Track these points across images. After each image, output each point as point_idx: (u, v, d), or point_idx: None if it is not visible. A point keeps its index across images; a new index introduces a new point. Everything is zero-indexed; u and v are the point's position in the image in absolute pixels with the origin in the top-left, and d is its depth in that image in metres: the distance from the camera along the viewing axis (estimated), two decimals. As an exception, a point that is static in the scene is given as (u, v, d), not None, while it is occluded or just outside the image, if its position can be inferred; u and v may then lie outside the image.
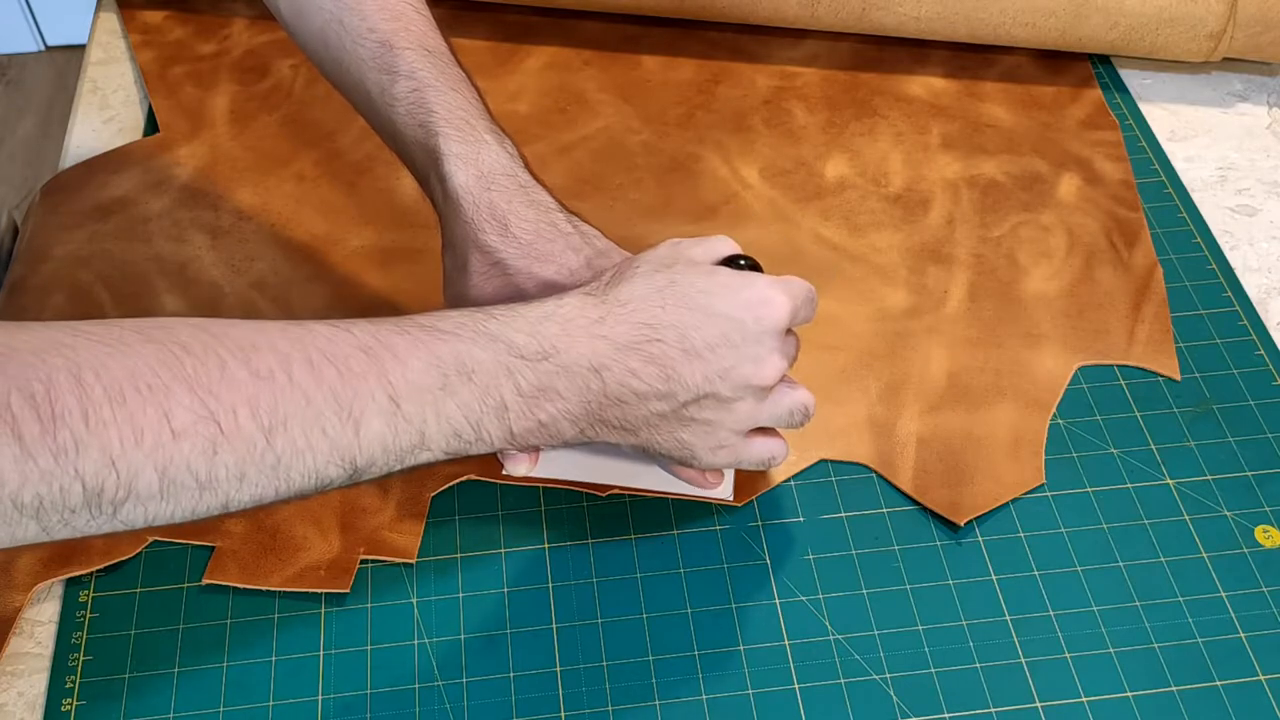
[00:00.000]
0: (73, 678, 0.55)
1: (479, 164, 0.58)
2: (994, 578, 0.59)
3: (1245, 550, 0.60)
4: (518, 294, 0.57)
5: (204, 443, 0.42)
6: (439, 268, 0.71)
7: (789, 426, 0.56)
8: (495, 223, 0.57)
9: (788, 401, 0.55)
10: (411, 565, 0.59)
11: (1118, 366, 0.67)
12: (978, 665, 0.56)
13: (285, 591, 0.58)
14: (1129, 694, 0.55)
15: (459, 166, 0.58)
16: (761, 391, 0.53)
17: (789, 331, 0.55)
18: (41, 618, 0.57)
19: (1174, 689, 0.55)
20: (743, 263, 0.56)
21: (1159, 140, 0.80)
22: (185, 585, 0.58)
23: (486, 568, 0.59)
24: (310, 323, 0.46)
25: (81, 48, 0.86)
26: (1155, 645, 0.56)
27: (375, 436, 0.46)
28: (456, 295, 0.59)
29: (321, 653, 0.56)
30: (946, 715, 0.54)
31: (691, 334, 0.51)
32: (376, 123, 0.62)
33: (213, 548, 0.59)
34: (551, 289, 0.56)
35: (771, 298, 0.52)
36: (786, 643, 0.56)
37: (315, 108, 0.80)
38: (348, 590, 0.58)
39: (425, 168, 0.59)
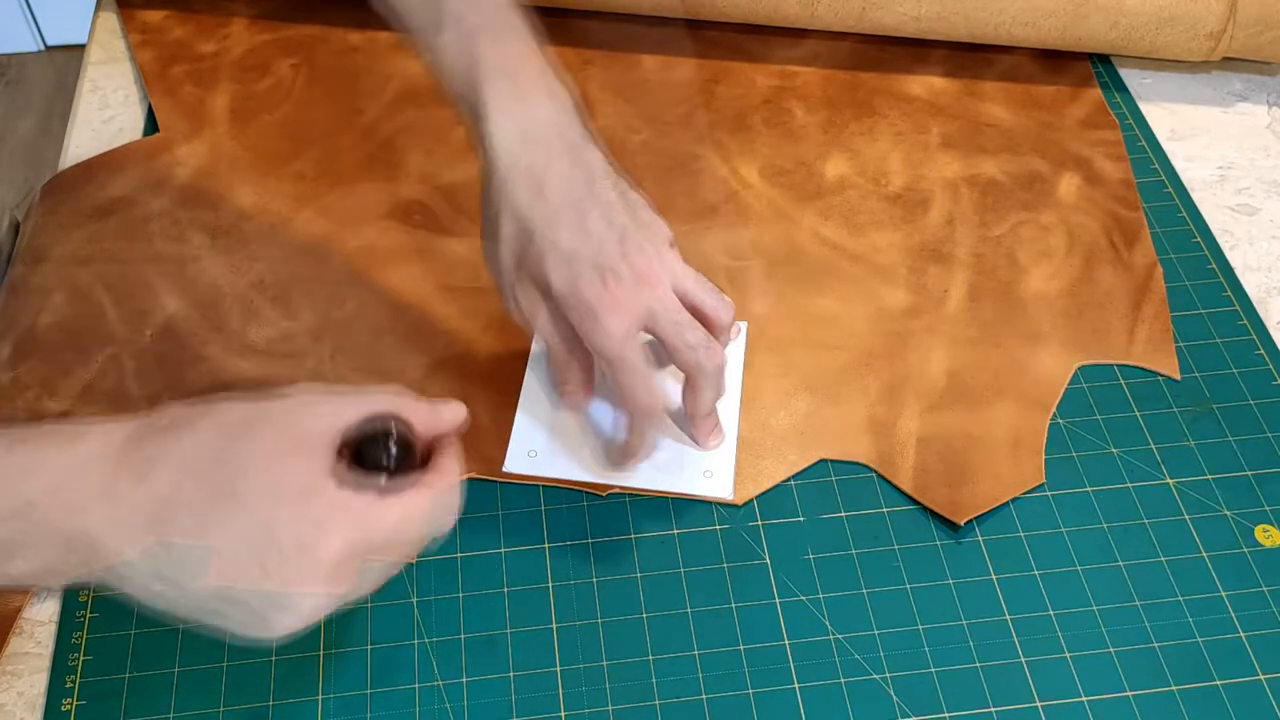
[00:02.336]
0: (73, 678, 0.55)
1: (521, 121, 0.56)
2: (994, 577, 0.59)
3: (1245, 550, 0.60)
4: (540, 260, 0.55)
5: None
6: (440, 268, 0.71)
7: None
8: (530, 183, 0.55)
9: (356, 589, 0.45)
10: (411, 565, 0.59)
11: (1118, 366, 0.67)
12: (978, 665, 0.56)
13: (285, 591, 0.57)
14: (1129, 694, 0.55)
15: (499, 124, 0.56)
16: (303, 612, 0.44)
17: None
18: (41, 618, 0.57)
19: (1174, 689, 0.55)
20: (389, 441, 0.45)
21: (1159, 140, 0.80)
22: (185, 585, 0.58)
23: (486, 568, 0.59)
24: None
25: (81, 48, 0.86)
26: (1155, 645, 0.56)
27: None
28: (489, 254, 0.58)
29: (321, 653, 0.56)
30: (946, 715, 0.54)
31: (212, 531, 0.43)
32: (431, 70, 0.60)
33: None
34: (574, 260, 0.55)
35: (326, 525, 0.43)
36: (786, 643, 0.56)
37: (315, 108, 0.80)
38: (348, 590, 0.57)
39: (470, 121, 0.57)
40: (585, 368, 0.60)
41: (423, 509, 0.46)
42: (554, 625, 0.57)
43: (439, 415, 0.49)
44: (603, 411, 0.63)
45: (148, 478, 0.43)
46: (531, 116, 0.56)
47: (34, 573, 0.44)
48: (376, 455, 0.45)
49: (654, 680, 0.55)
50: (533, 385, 0.65)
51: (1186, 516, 0.61)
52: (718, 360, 0.57)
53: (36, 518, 0.42)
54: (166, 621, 0.47)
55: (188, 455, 0.44)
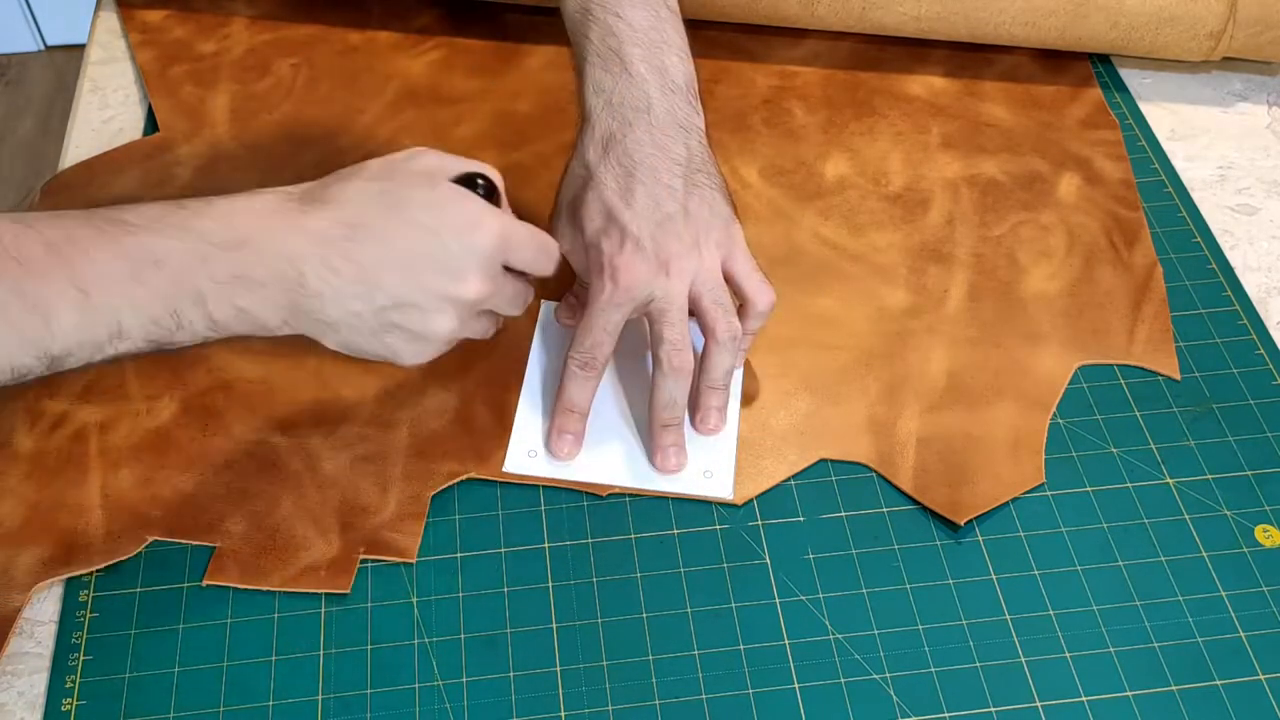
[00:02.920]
0: (73, 678, 0.55)
1: (611, 89, 0.61)
2: (994, 577, 0.59)
3: (1245, 550, 0.60)
4: (585, 205, 0.61)
5: None
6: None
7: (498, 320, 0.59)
8: (603, 143, 0.61)
9: (485, 322, 0.57)
10: (411, 565, 0.59)
11: (1118, 366, 0.67)
12: (978, 665, 0.56)
13: (285, 591, 0.58)
14: (1129, 694, 0.55)
15: (591, 93, 0.61)
16: (462, 305, 0.54)
17: (513, 271, 0.56)
18: (41, 618, 0.57)
19: (1174, 689, 0.55)
20: (480, 183, 0.56)
21: (1159, 140, 0.80)
22: (185, 585, 0.58)
23: (486, 568, 0.59)
24: None
25: (81, 47, 0.86)
26: (1155, 645, 0.56)
27: (68, 327, 0.48)
28: (558, 200, 0.64)
29: (321, 653, 0.56)
30: (946, 715, 0.54)
31: (391, 240, 0.52)
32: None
33: (213, 548, 0.59)
34: (610, 217, 0.60)
35: (480, 222, 0.54)
36: (786, 642, 0.56)
37: (315, 107, 0.80)
38: (348, 590, 0.58)
39: (576, 87, 0.63)
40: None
41: (539, 232, 0.57)
42: (554, 625, 0.57)
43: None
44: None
45: (331, 207, 0.52)
46: (622, 88, 0.61)
47: (273, 300, 0.51)
48: (473, 186, 0.56)
49: (654, 680, 0.55)
50: (533, 385, 0.65)
51: (1186, 516, 0.61)
52: (681, 363, 0.60)
53: (254, 248, 0.51)
54: (348, 354, 0.55)
55: (357, 191, 0.53)
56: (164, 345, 0.51)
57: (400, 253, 0.52)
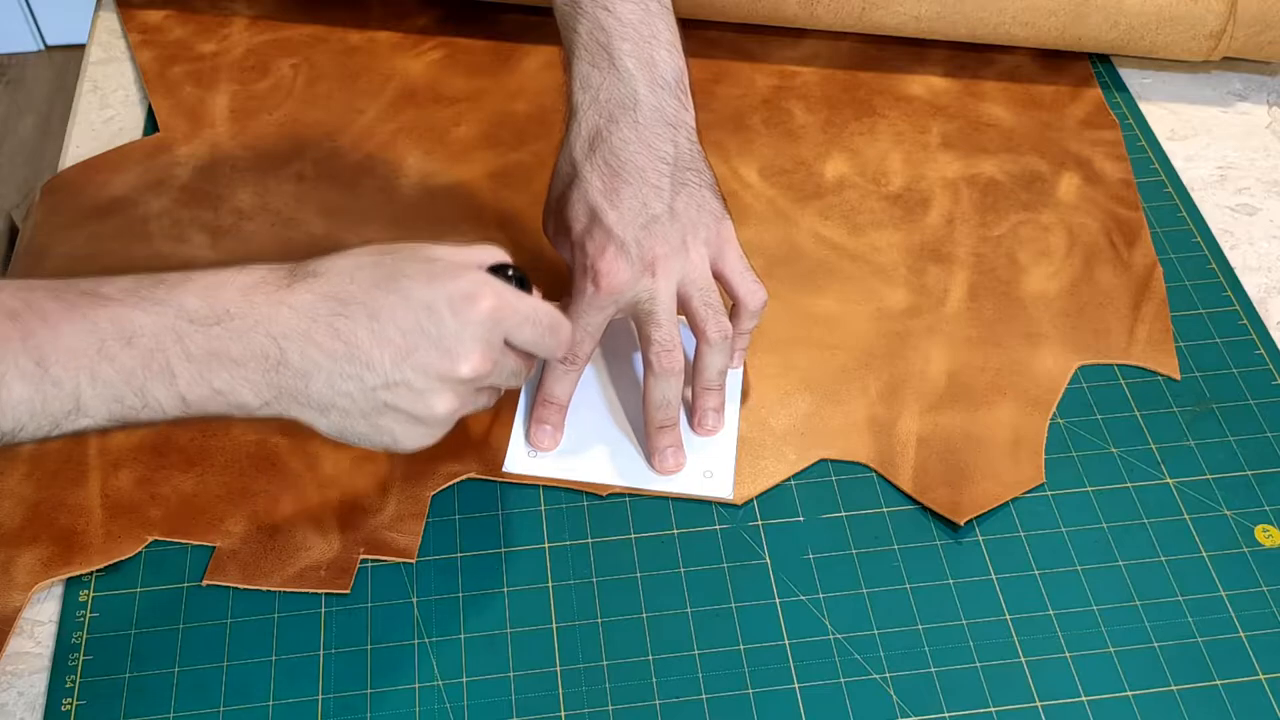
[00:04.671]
0: (73, 678, 0.55)
1: (599, 91, 0.60)
2: (994, 577, 0.59)
3: (1245, 550, 0.60)
4: (571, 203, 0.60)
5: None
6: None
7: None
8: (589, 139, 0.60)
9: (486, 396, 0.54)
10: (411, 565, 0.59)
11: (1118, 366, 0.67)
12: (978, 665, 0.56)
13: (285, 591, 0.58)
14: (1129, 693, 0.55)
15: (578, 88, 0.60)
16: (461, 384, 0.51)
17: (516, 349, 0.53)
18: (41, 618, 0.57)
19: (1174, 688, 0.55)
20: (511, 274, 0.53)
21: (1159, 140, 0.80)
22: (185, 585, 0.58)
23: (486, 568, 0.59)
24: None
25: (81, 48, 0.86)
26: (1155, 645, 0.56)
27: (19, 400, 0.45)
28: (548, 197, 0.63)
29: (321, 653, 0.56)
30: (946, 715, 0.54)
31: (382, 315, 0.49)
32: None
33: (213, 548, 0.59)
34: (594, 217, 0.59)
35: (478, 295, 0.50)
36: (786, 642, 0.56)
37: (315, 108, 0.80)
38: (348, 590, 0.58)
39: (564, 82, 0.62)
40: None
41: (549, 309, 0.54)
42: (554, 625, 0.57)
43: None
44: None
45: (319, 282, 0.49)
46: (608, 84, 0.60)
47: (251, 381, 0.48)
48: (505, 278, 0.53)
49: (654, 680, 0.55)
50: (533, 386, 0.65)
51: (1186, 516, 0.61)
52: (670, 364, 0.60)
53: (236, 325, 0.48)
54: (342, 441, 0.52)
55: (349, 265, 0.50)
56: (129, 423, 0.48)
57: (393, 329, 0.49)
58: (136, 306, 0.47)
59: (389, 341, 0.49)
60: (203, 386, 0.48)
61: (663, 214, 0.60)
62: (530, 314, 0.52)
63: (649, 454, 0.62)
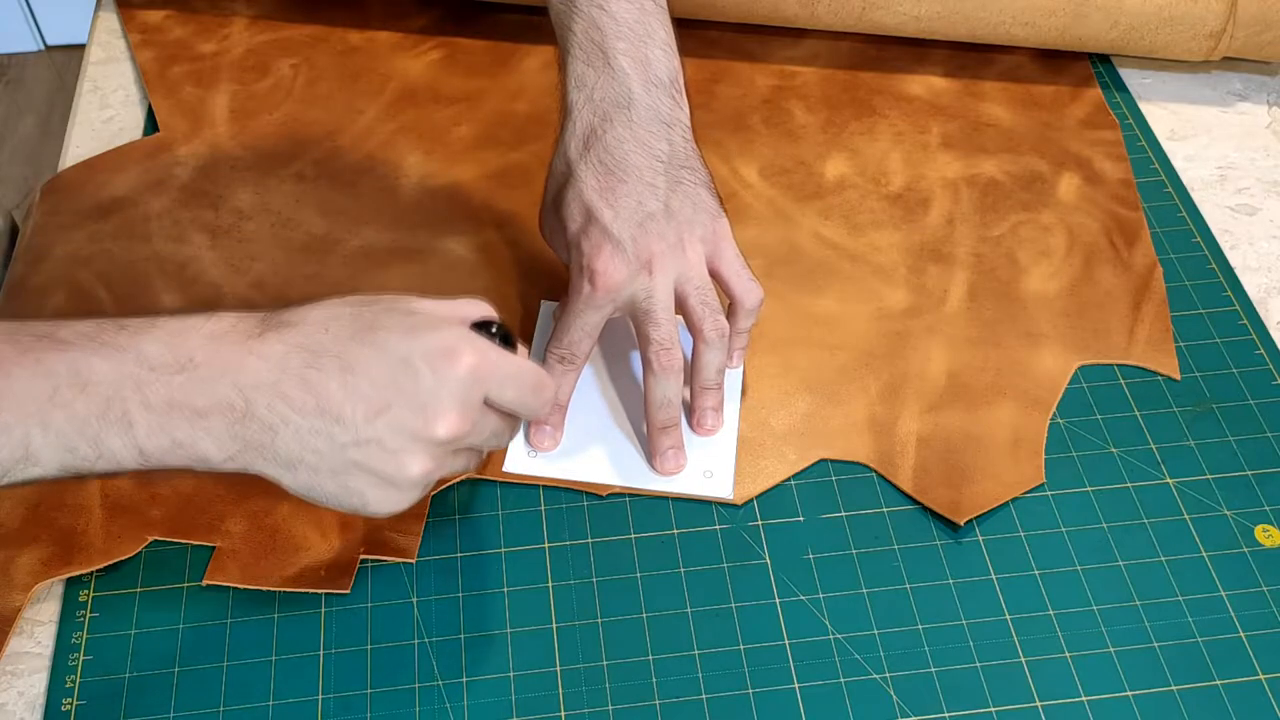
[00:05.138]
0: (73, 678, 0.55)
1: (593, 91, 0.60)
2: (994, 577, 0.59)
3: (1245, 550, 0.60)
4: (567, 203, 0.60)
5: None
6: (439, 268, 0.71)
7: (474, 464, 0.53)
8: (583, 138, 0.60)
9: (464, 458, 0.52)
10: (411, 565, 0.59)
11: (1118, 366, 0.67)
12: (978, 665, 0.56)
13: (285, 591, 0.58)
14: (1129, 693, 0.55)
15: (573, 87, 0.60)
16: (435, 445, 0.48)
17: (498, 409, 0.51)
18: (41, 618, 0.57)
19: (1174, 688, 0.55)
20: (495, 329, 0.51)
21: (1159, 140, 0.80)
22: (185, 585, 0.58)
23: (486, 568, 0.59)
24: None
25: (81, 48, 0.86)
26: (1155, 645, 0.56)
27: None
28: (544, 197, 0.63)
29: (321, 653, 0.56)
30: (946, 715, 0.54)
31: (356, 368, 0.47)
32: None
33: (213, 548, 0.59)
34: (589, 216, 0.59)
35: (457, 351, 0.48)
36: (786, 642, 0.56)
37: (315, 108, 0.80)
38: (348, 590, 0.58)
39: (559, 81, 0.62)
40: None
41: (532, 369, 0.51)
42: (554, 625, 0.57)
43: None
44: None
45: (291, 331, 0.47)
46: (603, 83, 0.60)
47: (214, 433, 0.46)
48: (489, 335, 0.51)
49: (654, 680, 0.55)
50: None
51: (1186, 516, 0.61)
52: (669, 362, 0.60)
53: (200, 374, 0.45)
54: (310, 501, 0.49)
55: (324, 315, 0.48)
56: (83, 474, 0.46)
57: (367, 383, 0.47)
58: (95, 352, 0.45)
59: (362, 396, 0.47)
60: (162, 438, 0.46)
61: (658, 212, 0.60)
62: (513, 373, 0.50)
63: (651, 455, 0.62)
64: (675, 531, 0.60)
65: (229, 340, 0.47)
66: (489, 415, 0.50)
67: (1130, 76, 0.84)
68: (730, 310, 0.63)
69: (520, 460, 0.62)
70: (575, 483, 0.62)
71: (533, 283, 0.70)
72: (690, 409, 0.63)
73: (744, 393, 0.65)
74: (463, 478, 0.61)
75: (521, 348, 0.53)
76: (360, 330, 0.48)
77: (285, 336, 0.47)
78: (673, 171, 0.60)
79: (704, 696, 0.55)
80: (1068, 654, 0.56)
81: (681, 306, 0.61)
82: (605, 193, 0.59)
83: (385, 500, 0.49)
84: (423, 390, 0.47)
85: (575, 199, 0.60)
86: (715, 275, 0.62)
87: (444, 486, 0.61)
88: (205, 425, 0.46)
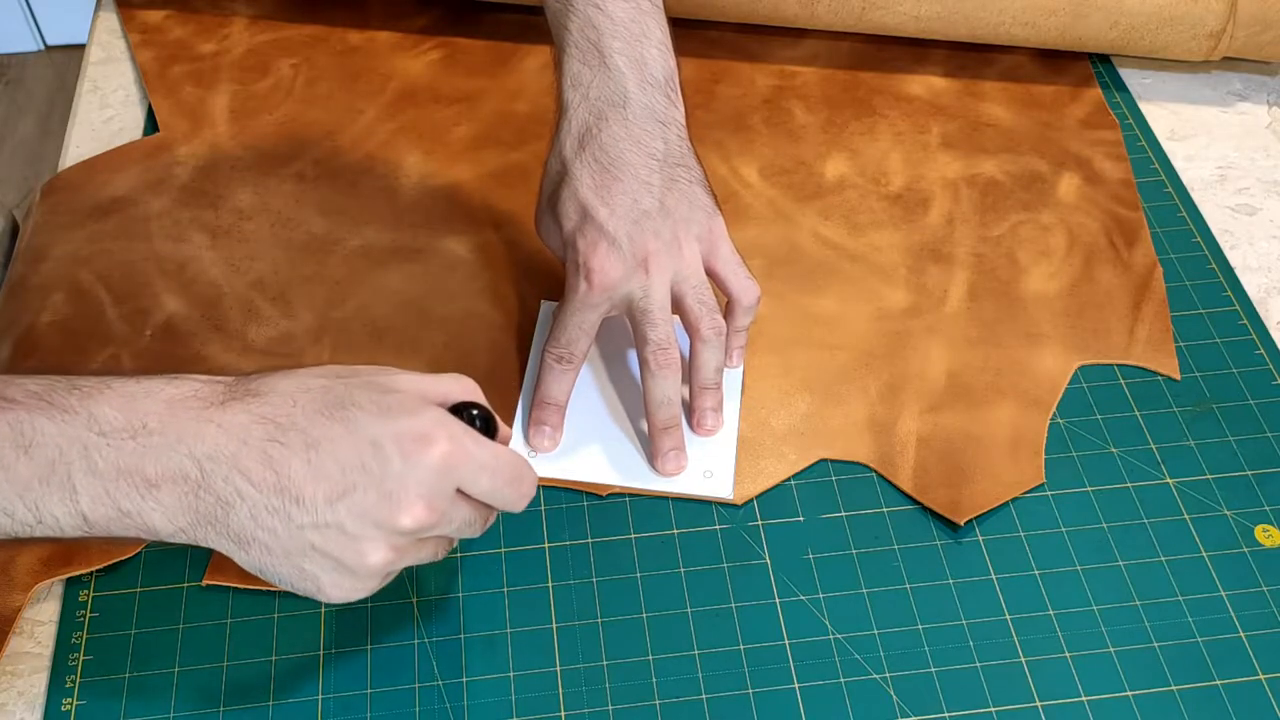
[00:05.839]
0: (73, 678, 0.55)
1: (589, 89, 0.60)
2: (994, 577, 0.59)
3: (1245, 550, 0.60)
4: (562, 201, 0.60)
5: None
6: (439, 268, 0.71)
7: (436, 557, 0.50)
8: (578, 137, 0.60)
9: (431, 547, 0.49)
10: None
11: (1118, 366, 0.67)
12: (978, 665, 0.56)
13: (285, 591, 0.57)
14: (1129, 693, 0.55)
15: (569, 86, 0.60)
16: (398, 535, 0.46)
17: (472, 499, 0.48)
18: (41, 618, 0.57)
19: (1174, 688, 0.55)
20: (476, 414, 0.49)
21: (1159, 140, 0.80)
22: (185, 585, 0.58)
23: (487, 568, 0.59)
24: None
25: (81, 48, 0.86)
26: (1155, 645, 0.56)
27: None
28: (540, 196, 0.63)
29: (321, 653, 0.56)
30: (946, 715, 0.54)
31: (322, 446, 0.44)
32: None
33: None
34: (585, 214, 0.59)
35: (431, 437, 0.45)
36: (786, 642, 0.56)
37: (315, 107, 0.80)
38: (348, 590, 0.57)
39: (555, 78, 0.62)
40: None
41: (511, 459, 0.49)
42: (554, 625, 0.57)
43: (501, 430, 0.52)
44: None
45: (257, 402, 0.45)
46: (599, 81, 0.60)
47: (164, 506, 0.44)
48: (469, 419, 0.48)
49: (654, 680, 0.55)
50: (533, 385, 0.65)
51: (1186, 516, 0.61)
52: (667, 361, 0.60)
53: (154, 441, 0.43)
54: (260, 576, 0.47)
55: (294, 386, 0.46)
56: (19, 538, 0.44)
57: (332, 463, 0.44)
58: (42, 412, 0.43)
59: (325, 477, 0.44)
60: (107, 506, 0.43)
61: (654, 210, 0.60)
62: (489, 462, 0.47)
63: (652, 456, 0.62)
64: (675, 531, 0.60)
65: (189, 406, 0.44)
66: (460, 505, 0.48)
67: (1130, 76, 0.84)
68: (728, 309, 0.63)
69: (520, 460, 0.62)
70: (575, 483, 0.62)
71: (532, 283, 0.70)
72: (689, 409, 0.63)
73: (743, 392, 0.65)
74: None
75: (504, 431, 0.51)
76: (330, 406, 0.45)
77: (250, 407, 0.45)
78: (668, 170, 0.60)
79: (704, 696, 0.55)
80: (1068, 654, 0.56)
81: (678, 305, 0.61)
82: (600, 190, 0.59)
83: (340, 587, 0.47)
84: (390, 476, 0.45)
85: (570, 197, 0.60)
86: (712, 273, 0.62)
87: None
88: (155, 496, 0.44)
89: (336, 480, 0.44)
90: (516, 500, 0.49)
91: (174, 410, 0.44)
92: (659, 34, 0.61)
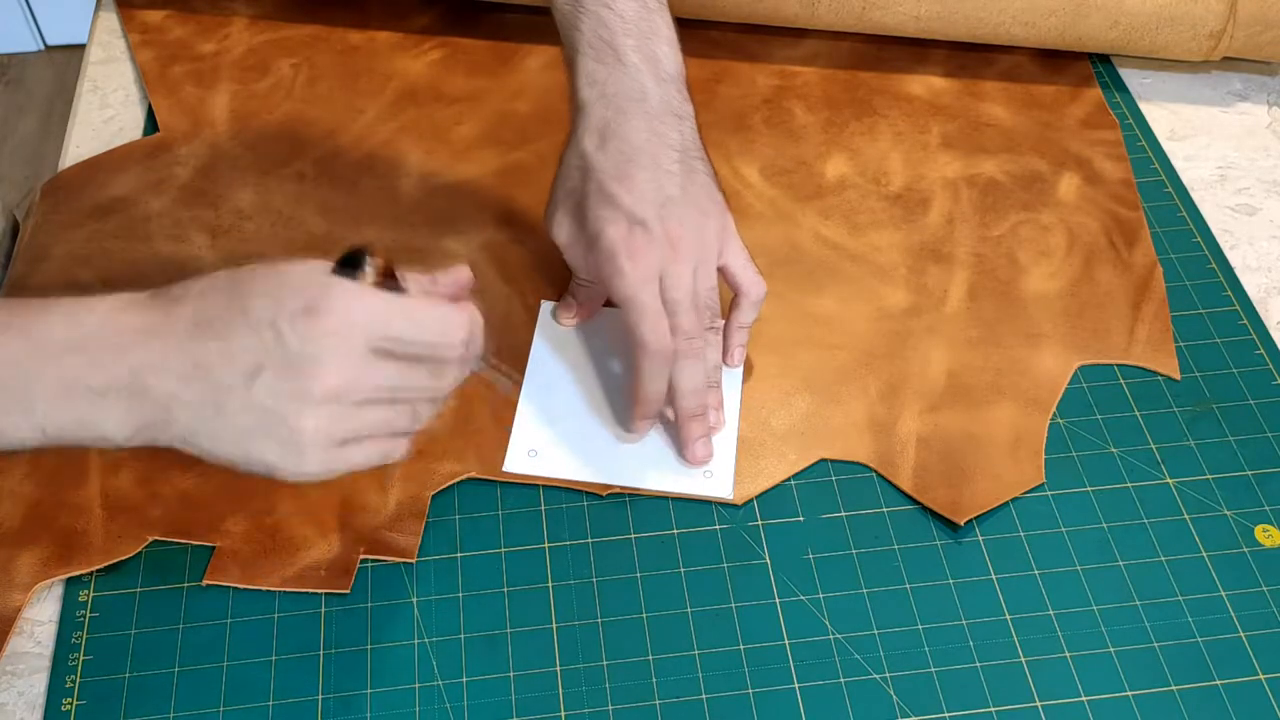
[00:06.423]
0: (73, 678, 0.55)
1: (605, 86, 0.60)
2: (994, 577, 0.59)
3: (1245, 550, 0.60)
4: (584, 198, 0.60)
5: None
6: (439, 267, 0.71)
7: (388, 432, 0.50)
8: (599, 134, 0.60)
9: (382, 412, 0.49)
10: (411, 565, 0.59)
11: (1118, 366, 0.67)
12: (978, 665, 0.56)
13: (285, 591, 0.58)
14: (1129, 693, 0.55)
15: (585, 84, 0.60)
16: (323, 401, 0.47)
17: (397, 356, 0.49)
18: (41, 618, 0.57)
19: (1174, 688, 0.55)
20: (368, 261, 0.48)
21: (1159, 139, 0.80)
22: (185, 585, 0.58)
23: (486, 568, 0.59)
24: None
25: (81, 48, 0.86)
26: (1155, 645, 0.56)
27: None
28: (553, 195, 0.63)
29: (321, 653, 0.56)
30: (946, 715, 0.54)
31: (230, 335, 0.47)
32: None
33: (213, 548, 0.59)
34: (612, 206, 0.59)
35: (318, 308, 0.46)
36: (786, 642, 0.56)
37: (315, 107, 0.80)
38: (348, 590, 0.58)
39: (568, 81, 0.62)
40: (589, 299, 0.67)
41: (419, 304, 0.49)
42: (554, 625, 0.57)
43: (437, 282, 0.52)
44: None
45: (175, 305, 0.47)
46: (616, 78, 0.60)
47: (99, 421, 0.47)
48: (358, 262, 0.48)
49: (654, 680, 0.55)
50: (533, 385, 0.65)
51: (1186, 516, 0.61)
52: (695, 350, 0.60)
53: (90, 351, 0.46)
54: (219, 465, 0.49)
55: (204, 285, 0.48)
56: None
57: (239, 348, 0.46)
58: None
59: (239, 362, 0.46)
60: (64, 416, 0.46)
61: (678, 197, 0.60)
62: (399, 309, 0.48)
63: (681, 446, 0.62)
64: (675, 531, 0.60)
65: (122, 319, 0.47)
66: (380, 363, 0.48)
67: (1130, 76, 0.84)
68: (733, 304, 0.63)
69: (520, 460, 0.62)
70: (575, 483, 0.62)
71: (533, 282, 0.70)
72: None
73: (743, 393, 0.65)
74: (463, 478, 0.61)
75: (414, 280, 0.51)
76: (233, 298, 0.47)
77: (170, 309, 0.47)
78: (687, 161, 0.61)
79: (704, 696, 0.55)
80: (1068, 654, 0.56)
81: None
82: (625, 180, 0.59)
83: (289, 460, 0.48)
84: (290, 353, 0.46)
85: (596, 190, 0.60)
86: (723, 267, 0.62)
87: (447, 485, 0.61)
88: (104, 404, 0.46)
89: (249, 363, 0.46)
90: (443, 347, 0.49)
91: (109, 322, 0.47)
92: (667, 32, 0.62)
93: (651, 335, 0.58)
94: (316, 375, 0.46)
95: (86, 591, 0.58)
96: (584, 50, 0.60)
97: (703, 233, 0.61)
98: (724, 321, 0.64)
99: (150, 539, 0.59)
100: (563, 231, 0.62)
